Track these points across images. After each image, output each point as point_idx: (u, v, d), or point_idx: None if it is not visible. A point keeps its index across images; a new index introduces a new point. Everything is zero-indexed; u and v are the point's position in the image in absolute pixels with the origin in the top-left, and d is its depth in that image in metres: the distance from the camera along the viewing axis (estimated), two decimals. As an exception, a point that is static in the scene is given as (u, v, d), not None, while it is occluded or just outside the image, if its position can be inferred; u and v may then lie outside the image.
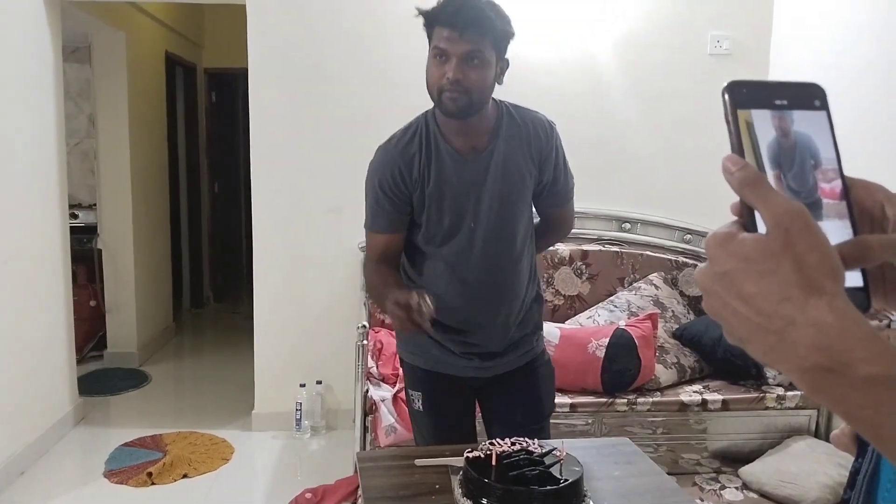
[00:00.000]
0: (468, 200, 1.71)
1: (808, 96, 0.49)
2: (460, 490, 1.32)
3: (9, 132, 3.05)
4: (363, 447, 2.85)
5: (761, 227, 0.45)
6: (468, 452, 1.36)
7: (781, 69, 3.42)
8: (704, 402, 2.93)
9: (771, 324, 0.43)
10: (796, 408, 2.97)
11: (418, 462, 1.46)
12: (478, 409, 1.94)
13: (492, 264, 1.76)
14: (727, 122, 0.47)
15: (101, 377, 4.32)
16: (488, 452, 1.33)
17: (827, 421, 3.00)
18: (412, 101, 3.34)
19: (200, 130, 5.97)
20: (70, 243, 3.63)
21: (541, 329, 1.91)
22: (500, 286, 1.79)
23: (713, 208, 3.42)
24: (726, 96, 0.48)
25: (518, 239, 1.77)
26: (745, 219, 0.46)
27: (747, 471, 2.81)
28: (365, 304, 3.27)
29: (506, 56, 1.67)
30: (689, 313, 3.37)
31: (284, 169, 3.45)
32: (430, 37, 1.64)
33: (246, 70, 3.41)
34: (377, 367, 3.01)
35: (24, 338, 3.17)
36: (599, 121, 3.50)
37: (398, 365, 3.01)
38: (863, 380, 0.41)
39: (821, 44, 3.17)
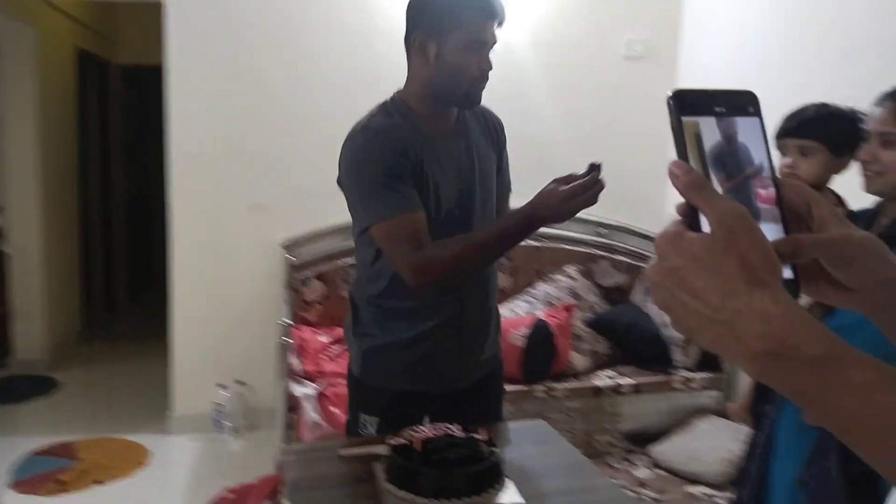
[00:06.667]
0: (455, 185, 1.63)
1: (744, 103, 0.53)
2: (385, 476, 1.36)
3: None
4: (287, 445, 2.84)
5: (704, 227, 0.49)
6: (391, 440, 1.40)
7: (691, 72, 3.60)
8: (617, 387, 3.08)
9: (719, 315, 0.47)
10: (701, 389, 3.16)
11: (342, 452, 1.48)
12: None
13: None
14: (672, 128, 0.51)
15: (5, 386, 4.10)
16: (412, 439, 1.37)
17: (729, 401, 3.19)
18: (337, 98, 3.39)
19: (114, 128, 5.75)
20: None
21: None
22: (489, 275, 1.74)
23: (626, 204, 3.61)
24: (672, 104, 0.51)
25: None
26: (689, 219, 0.50)
27: (656, 449, 2.96)
28: (287, 301, 3.25)
29: None
30: (603, 303, 3.52)
31: (205, 167, 3.38)
32: (456, 27, 1.54)
33: (162, 66, 3.32)
34: (301, 365, 3.00)
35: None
36: (519, 116, 3.57)
37: (323, 363, 3.02)
38: (808, 360, 0.45)
39: (728, 46, 3.34)
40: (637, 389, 3.10)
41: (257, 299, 3.47)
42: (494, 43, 1.59)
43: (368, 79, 3.44)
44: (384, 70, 3.46)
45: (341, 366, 3.00)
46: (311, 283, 3.37)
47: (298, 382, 2.92)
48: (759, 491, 1.62)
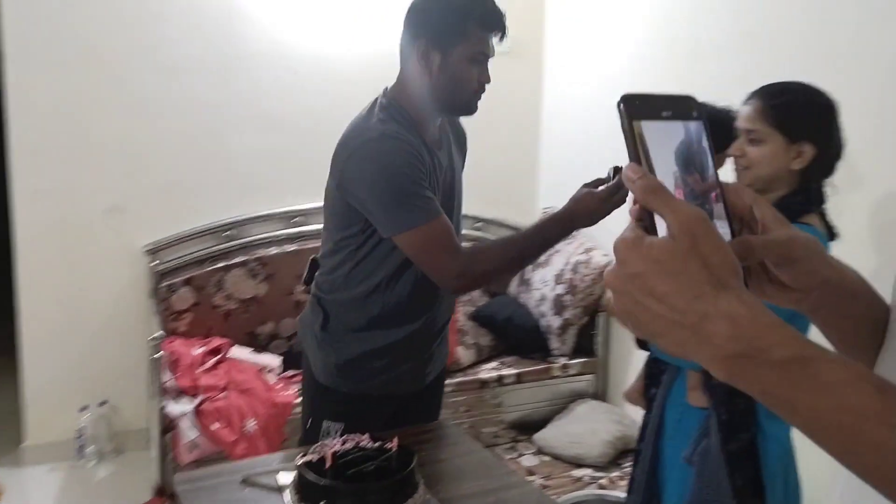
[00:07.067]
0: (441, 196, 1.63)
1: (688, 108, 0.54)
2: (295, 496, 1.30)
3: None
4: (162, 467, 2.65)
5: (660, 231, 0.48)
6: (300, 458, 1.34)
7: (557, 68, 3.71)
8: (501, 378, 3.15)
9: (685, 319, 0.46)
10: (578, 374, 3.30)
11: (245, 475, 1.40)
12: None
13: None
14: (624, 132, 0.50)
15: None
16: (322, 455, 1.32)
17: (603, 384, 3.37)
18: (196, 85, 3.19)
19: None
20: None
21: None
22: None
23: (499, 198, 3.66)
24: (622, 108, 0.50)
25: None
26: (646, 222, 0.49)
27: (540, 436, 3.07)
28: (156, 312, 3.03)
29: None
30: (482, 295, 3.59)
31: (53, 164, 3.05)
32: (462, 39, 1.56)
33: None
34: (174, 380, 2.81)
35: None
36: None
37: (199, 376, 2.84)
38: (777, 362, 0.46)
39: (592, 43, 3.46)
40: (519, 379, 3.19)
41: (119, 311, 3.21)
42: (493, 55, 1.62)
43: (230, 65, 3.27)
44: (246, 56, 3.32)
45: (219, 378, 2.85)
46: (179, 291, 3.17)
47: (173, 400, 2.73)
48: (652, 469, 1.71)
